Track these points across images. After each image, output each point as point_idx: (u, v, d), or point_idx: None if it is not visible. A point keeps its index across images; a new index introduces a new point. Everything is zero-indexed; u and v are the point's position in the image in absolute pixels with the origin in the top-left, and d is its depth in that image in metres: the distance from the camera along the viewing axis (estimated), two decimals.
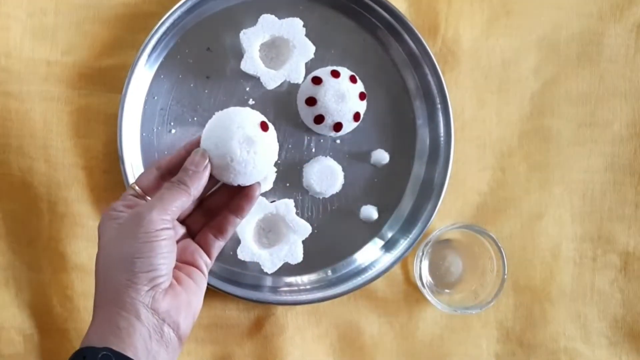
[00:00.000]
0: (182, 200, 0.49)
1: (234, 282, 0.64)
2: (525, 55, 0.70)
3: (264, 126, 0.52)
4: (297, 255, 0.62)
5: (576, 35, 0.70)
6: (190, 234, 0.54)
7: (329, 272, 0.66)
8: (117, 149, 0.62)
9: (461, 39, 0.69)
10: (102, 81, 0.65)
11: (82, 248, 0.63)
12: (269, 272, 0.62)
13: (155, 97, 0.65)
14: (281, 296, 0.65)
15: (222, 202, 0.55)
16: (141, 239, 0.47)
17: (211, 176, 0.52)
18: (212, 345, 0.65)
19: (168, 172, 0.52)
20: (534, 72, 0.70)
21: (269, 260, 0.62)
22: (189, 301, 0.49)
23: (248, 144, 0.51)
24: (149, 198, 0.52)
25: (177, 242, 0.52)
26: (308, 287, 0.66)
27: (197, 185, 0.50)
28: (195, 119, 0.65)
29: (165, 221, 0.48)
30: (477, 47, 0.69)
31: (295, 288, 0.66)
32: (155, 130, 0.65)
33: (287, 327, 0.66)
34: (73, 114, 0.64)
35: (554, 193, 0.70)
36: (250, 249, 0.62)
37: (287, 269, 0.63)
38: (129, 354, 0.45)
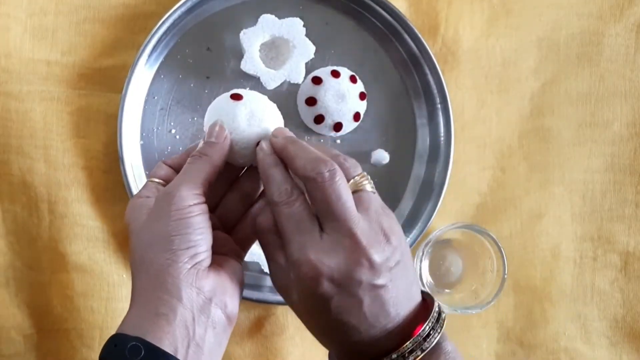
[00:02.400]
0: (208, 171, 0.47)
1: None
2: (525, 55, 0.70)
3: (234, 97, 0.50)
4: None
5: (576, 35, 0.70)
6: (225, 227, 0.52)
7: None
8: (117, 149, 0.62)
9: (461, 39, 0.69)
10: (102, 81, 0.65)
11: (82, 248, 0.63)
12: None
13: (155, 97, 0.65)
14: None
15: (254, 188, 0.52)
16: (174, 216, 0.44)
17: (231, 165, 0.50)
18: None
19: (177, 169, 0.50)
20: (534, 72, 0.70)
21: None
22: (232, 280, 0.47)
23: (252, 118, 0.50)
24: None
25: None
26: None
27: (221, 155, 0.48)
28: (195, 119, 0.65)
29: (197, 195, 0.45)
30: (477, 47, 0.69)
31: None
32: (155, 130, 0.65)
33: (287, 327, 0.66)
34: (73, 114, 0.64)
35: (554, 193, 0.70)
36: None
37: None
38: (164, 343, 0.42)
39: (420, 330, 0.44)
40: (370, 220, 0.45)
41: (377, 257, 0.44)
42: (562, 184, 0.70)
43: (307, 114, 0.65)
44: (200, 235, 0.45)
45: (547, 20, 0.70)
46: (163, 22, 0.63)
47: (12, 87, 0.63)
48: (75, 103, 0.64)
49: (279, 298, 0.64)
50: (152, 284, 0.44)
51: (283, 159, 0.47)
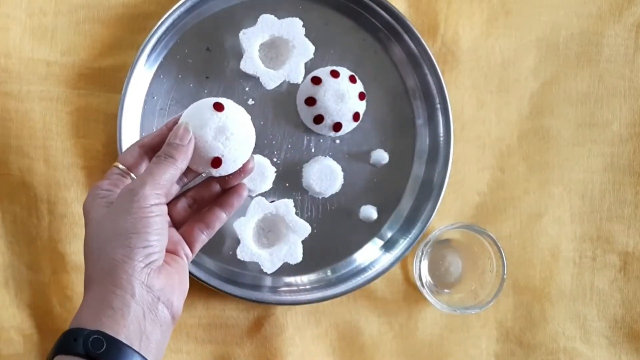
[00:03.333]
0: (172, 173, 0.49)
1: (233, 282, 0.64)
2: (524, 55, 0.70)
3: (217, 106, 0.52)
4: (296, 255, 0.62)
5: (575, 35, 0.70)
6: (175, 225, 0.54)
7: (329, 272, 0.67)
8: (117, 149, 0.62)
9: (461, 39, 0.69)
10: (102, 81, 0.65)
11: (82, 248, 0.62)
12: (269, 272, 0.62)
13: (155, 97, 0.65)
14: (281, 296, 0.65)
15: (208, 196, 0.55)
16: (136, 214, 0.46)
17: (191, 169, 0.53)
18: (212, 345, 0.65)
19: (151, 149, 0.53)
20: (534, 72, 0.70)
21: (269, 260, 0.62)
22: (180, 280, 0.49)
23: (220, 133, 0.51)
24: (133, 175, 0.52)
25: None
26: (308, 287, 0.66)
27: (184, 158, 0.50)
28: None
29: (159, 195, 0.48)
30: (476, 47, 0.69)
31: (295, 288, 0.66)
32: (155, 130, 0.64)
33: (286, 327, 0.66)
34: (73, 114, 0.64)
35: (554, 193, 0.70)
36: (249, 249, 0.62)
37: (287, 269, 0.63)
38: (122, 337, 0.44)
39: None
40: None
41: None
42: (561, 184, 0.70)
43: (306, 114, 0.65)
44: (157, 236, 0.47)
45: (547, 20, 0.70)
46: (162, 22, 0.63)
47: (11, 87, 0.63)
48: (75, 103, 0.64)
49: (278, 298, 0.65)
50: (105, 277, 0.46)
51: None
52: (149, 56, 0.64)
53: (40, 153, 0.63)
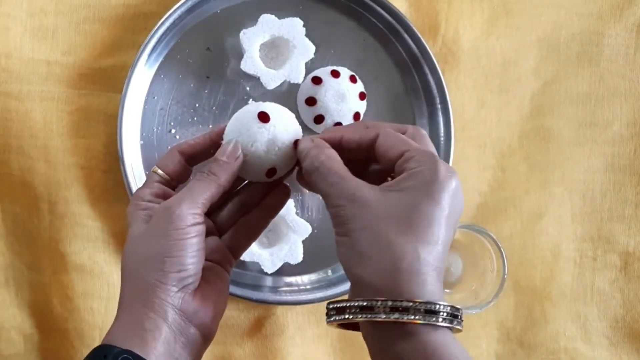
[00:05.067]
0: (213, 192, 0.47)
1: (234, 282, 0.64)
2: (525, 55, 0.70)
3: (262, 117, 0.49)
4: (297, 255, 0.62)
5: (576, 35, 0.70)
6: (219, 230, 0.52)
7: (329, 272, 0.66)
8: (117, 149, 0.62)
9: (461, 39, 0.69)
10: (102, 81, 0.65)
11: (82, 248, 0.63)
12: (269, 272, 0.62)
13: (155, 97, 0.65)
14: (281, 296, 0.65)
15: (256, 198, 0.53)
16: (172, 236, 0.45)
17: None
18: (212, 345, 0.64)
19: (190, 157, 0.51)
20: (534, 72, 0.70)
21: (269, 260, 0.62)
22: (216, 300, 0.48)
23: (272, 144, 0.48)
24: (172, 182, 0.50)
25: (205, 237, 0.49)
26: (308, 287, 0.66)
27: (229, 177, 0.48)
28: (195, 119, 0.65)
29: (196, 215, 0.46)
30: (477, 47, 0.69)
31: (296, 288, 0.66)
32: (155, 130, 0.64)
33: (287, 327, 0.66)
34: (73, 114, 0.64)
35: (554, 193, 0.70)
36: (250, 249, 0.62)
37: (287, 269, 0.63)
38: (151, 358, 0.43)
39: (444, 304, 0.42)
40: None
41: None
42: (562, 184, 0.70)
43: (307, 114, 0.65)
44: (192, 259, 0.45)
45: (547, 20, 0.70)
46: (163, 22, 0.63)
47: (12, 87, 0.63)
48: (75, 103, 0.64)
49: (279, 298, 0.65)
50: (139, 298, 0.45)
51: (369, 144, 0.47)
52: (149, 56, 0.64)
53: (40, 153, 0.63)
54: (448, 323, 0.42)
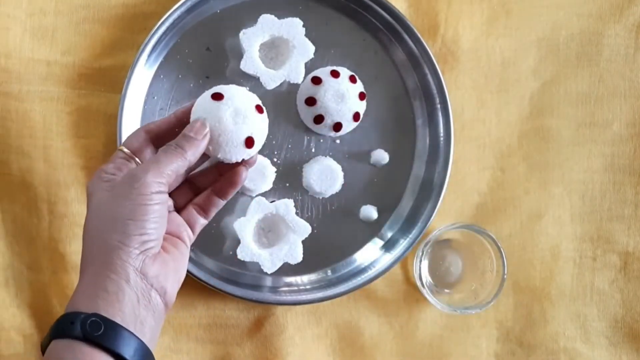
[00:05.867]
0: (178, 164, 0.49)
1: (233, 282, 0.64)
2: (524, 55, 0.70)
3: (259, 109, 0.52)
4: (296, 256, 0.62)
5: (576, 35, 0.70)
6: (176, 208, 0.54)
7: (329, 272, 0.67)
8: None
9: (461, 39, 0.69)
10: (102, 81, 0.65)
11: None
12: (269, 272, 0.62)
13: (155, 97, 0.65)
14: (281, 296, 0.65)
15: (208, 180, 0.55)
16: (135, 200, 0.46)
17: None
18: (212, 345, 0.65)
19: (156, 137, 0.52)
20: (534, 72, 0.70)
21: (269, 260, 0.62)
22: (176, 268, 0.49)
23: (237, 116, 0.51)
24: (137, 160, 0.51)
25: None
26: (308, 287, 0.66)
27: (195, 152, 0.50)
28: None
29: (160, 184, 0.47)
30: (476, 47, 0.69)
31: (295, 288, 0.66)
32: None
33: (287, 327, 0.66)
34: (73, 114, 0.64)
35: (554, 193, 0.70)
36: (250, 249, 0.62)
37: (287, 269, 0.63)
38: (117, 319, 0.44)
39: None
40: None
41: None
42: (561, 184, 0.70)
43: (306, 114, 0.65)
44: (154, 224, 0.47)
45: (547, 20, 0.70)
46: (163, 22, 0.63)
47: (11, 87, 0.63)
48: (75, 103, 0.64)
49: (279, 298, 0.65)
50: (101, 261, 0.46)
51: None
52: (149, 56, 0.64)
53: (40, 153, 0.63)
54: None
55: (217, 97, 0.51)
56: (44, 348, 0.46)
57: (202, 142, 0.50)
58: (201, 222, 0.54)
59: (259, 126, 0.52)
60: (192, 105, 0.52)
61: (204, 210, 0.54)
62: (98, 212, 0.48)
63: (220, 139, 0.51)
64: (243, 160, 0.53)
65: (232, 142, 0.51)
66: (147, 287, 0.46)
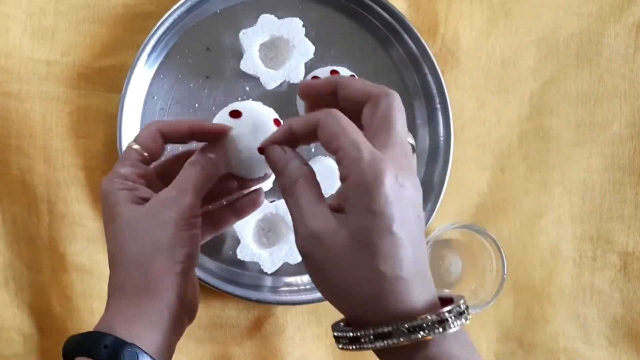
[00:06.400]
0: (211, 180, 0.47)
1: (233, 282, 0.64)
2: (524, 55, 0.70)
3: (276, 122, 0.51)
4: (296, 256, 0.62)
5: (575, 35, 0.70)
6: None
7: None
8: (117, 149, 0.62)
9: (461, 39, 0.69)
10: (102, 81, 0.65)
11: (82, 248, 0.63)
12: (269, 272, 0.62)
13: (155, 97, 0.65)
14: (281, 296, 0.65)
15: (222, 191, 0.53)
16: (181, 227, 0.44)
17: None
18: (212, 345, 0.65)
19: (169, 139, 0.48)
20: (534, 72, 0.70)
21: (269, 260, 0.62)
22: (195, 279, 0.48)
23: (257, 132, 0.49)
24: (149, 161, 0.48)
25: None
26: (308, 287, 0.66)
27: (222, 164, 0.48)
28: (195, 119, 0.65)
29: (198, 207, 0.46)
30: (476, 47, 0.69)
31: (295, 288, 0.66)
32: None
33: (286, 327, 0.66)
34: (73, 114, 0.64)
35: (554, 193, 0.70)
36: (250, 249, 0.62)
37: (287, 269, 0.63)
38: (151, 352, 0.43)
39: (449, 307, 0.40)
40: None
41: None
42: (561, 184, 0.70)
43: None
44: (195, 248, 0.45)
45: (547, 20, 0.70)
46: (163, 22, 0.63)
47: (11, 87, 0.63)
48: (75, 103, 0.64)
49: (279, 298, 0.65)
50: (144, 287, 0.44)
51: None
52: (149, 56, 0.64)
53: (40, 153, 0.63)
54: (459, 323, 0.41)
55: (235, 114, 0.50)
56: (65, 355, 0.44)
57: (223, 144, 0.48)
58: (206, 237, 0.52)
59: None
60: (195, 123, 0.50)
61: (215, 227, 0.52)
62: (134, 234, 0.45)
63: (241, 156, 0.49)
64: (265, 174, 0.51)
65: (254, 158, 0.49)
66: (183, 311, 0.45)
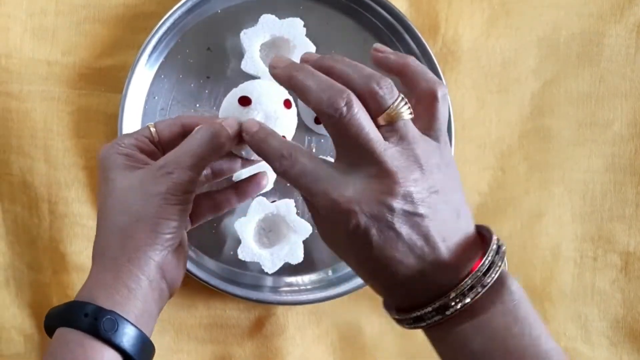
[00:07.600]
0: (212, 156, 0.47)
1: (234, 282, 0.64)
2: (525, 55, 0.70)
3: (287, 104, 0.50)
4: (297, 255, 0.62)
5: (576, 35, 0.70)
6: None
7: (330, 272, 0.66)
8: None
9: (461, 39, 0.69)
10: (102, 81, 0.65)
11: (83, 248, 0.63)
12: (270, 272, 0.62)
13: (156, 97, 0.65)
14: (282, 296, 0.65)
15: (227, 168, 0.53)
16: (169, 200, 0.45)
17: None
18: (212, 345, 0.65)
19: (188, 132, 0.49)
20: (534, 72, 0.70)
21: (270, 260, 0.62)
22: (184, 257, 0.49)
23: (268, 119, 0.49)
24: (160, 147, 0.49)
25: None
26: (308, 287, 0.66)
27: (230, 143, 0.48)
28: None
29: (193, 182, 0.46)
30: (477, 47, 0.69)
31: (296, 288, 0.66)
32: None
33: (287, 327, 0.66)
34: (73, 114, 0.64)
35: (554, 193, 0.70)
36: (250, 249, 0.62)
37: (288, 269, 0.63)
38: (131, 318, 0.44)
39: (480, 265, 0.40)
40: (403, 148, 0.41)
41: (409, 184, 0.41)
42: (562, 184, 0.70)
43: (307, 114, 0.65)
44: (183, 223, 0.46)
45: (547, 20, 0.70)
46: (163, 22, 0.63)
47: (12, 87, 0.63)
48: (75, 103, 0.64)
49: (279, 298, 0.65)
50: (124, 255, 0.45)
51: (292, 89, 0.44)
52: (149, 56, 0.64)
53: (41, 153, 0.63)
54: (503, 263, 0.41)
55: (245, 102, 0.50)
56: (47, 327, 0.46)
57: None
58: (207, 216, 0.54)
59: (289, 123, 0.51)
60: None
61: (216, 208, 0.53)
62: (122, 201, 0.46)
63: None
64: None
65: None
66: (162, 280, 0.47)
